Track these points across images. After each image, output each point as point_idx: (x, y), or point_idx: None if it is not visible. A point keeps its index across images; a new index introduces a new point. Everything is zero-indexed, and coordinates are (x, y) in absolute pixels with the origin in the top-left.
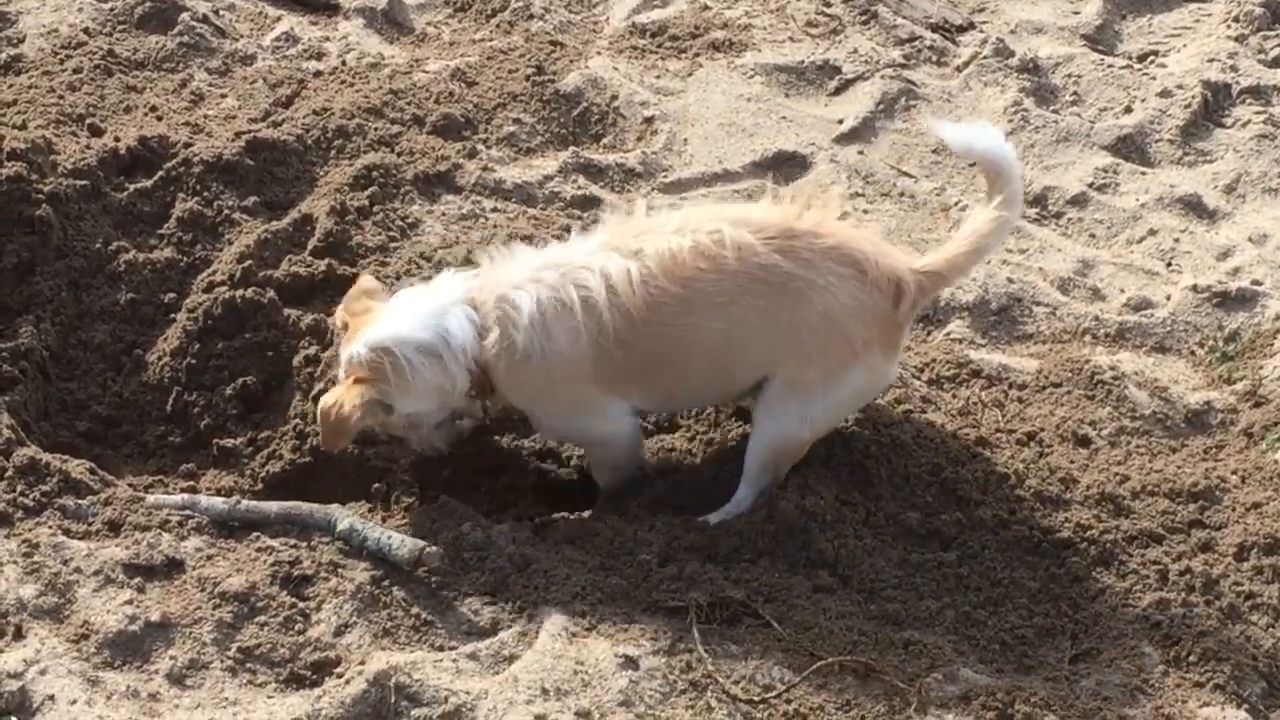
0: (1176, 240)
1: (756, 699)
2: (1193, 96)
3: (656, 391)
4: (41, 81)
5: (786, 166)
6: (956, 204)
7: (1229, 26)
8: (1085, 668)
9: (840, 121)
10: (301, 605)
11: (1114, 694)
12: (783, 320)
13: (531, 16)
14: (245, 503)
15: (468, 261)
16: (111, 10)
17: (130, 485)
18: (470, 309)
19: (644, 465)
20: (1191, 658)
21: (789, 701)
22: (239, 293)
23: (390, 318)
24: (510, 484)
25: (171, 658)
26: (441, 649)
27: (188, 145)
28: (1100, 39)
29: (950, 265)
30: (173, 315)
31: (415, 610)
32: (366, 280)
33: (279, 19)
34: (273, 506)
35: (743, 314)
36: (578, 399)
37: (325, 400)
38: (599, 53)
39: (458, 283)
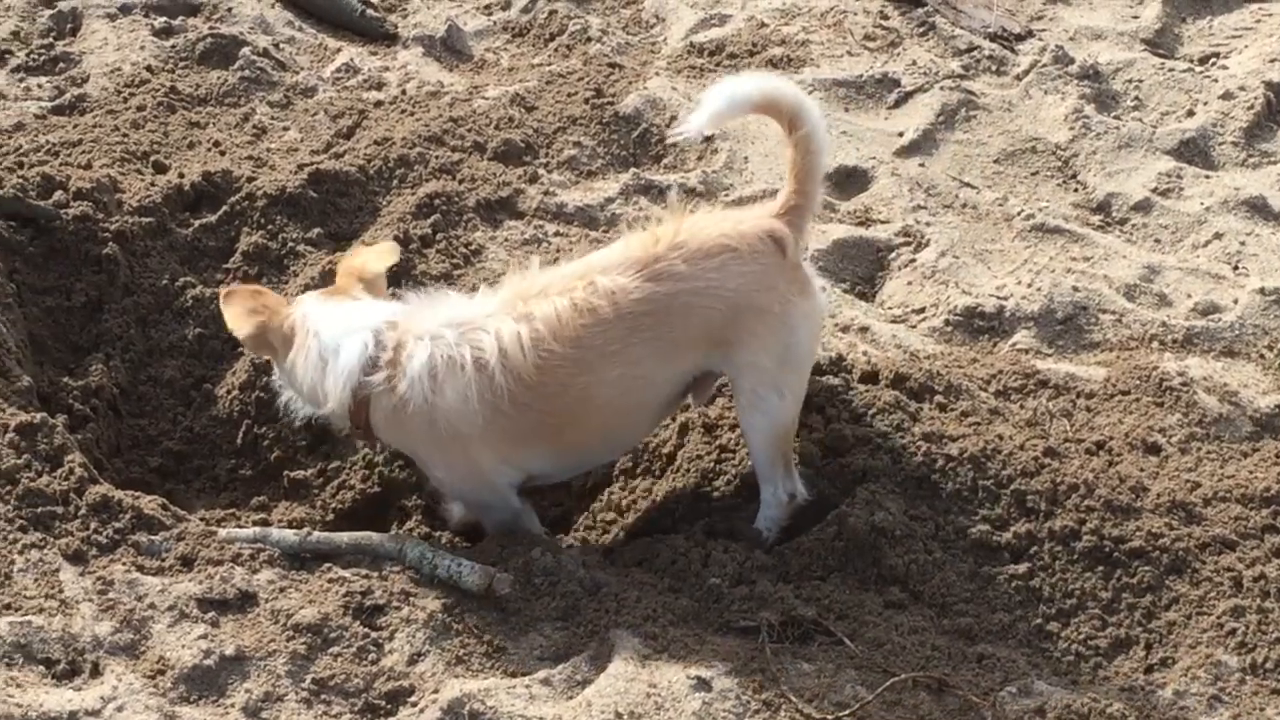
0: (1242, 243)
1: (830, 716)
2: (1255, 98)
3: (564, 450)
4: (106, 120)
5: (848, 181)
6: (1020, 213)
7: None
8: (1161, 677)
9: (900, 134)
10: (374, 635)
11: (1191, 703)
12: (681, 336)
13: (589, 39)
14: (316, 534)
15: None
16: (173, 48)
17: (202, 519)
18: (374, 340)
19: (535, 535)
20: (1268, 664)
21: (862, 719)
22: None
23: (332, 311)
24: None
25: (247, 691)
26: (514, 675)
27: (251, 179)
28: (1160, 42)
29: (800, 194)
30: (240, 349)
31: (487, 637)
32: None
33: (339, 50)
34: (343, 537)
35: (638, 353)
36: (467, 462)
37: (250, 293)
38: (657, 73)
39: (380, 312)
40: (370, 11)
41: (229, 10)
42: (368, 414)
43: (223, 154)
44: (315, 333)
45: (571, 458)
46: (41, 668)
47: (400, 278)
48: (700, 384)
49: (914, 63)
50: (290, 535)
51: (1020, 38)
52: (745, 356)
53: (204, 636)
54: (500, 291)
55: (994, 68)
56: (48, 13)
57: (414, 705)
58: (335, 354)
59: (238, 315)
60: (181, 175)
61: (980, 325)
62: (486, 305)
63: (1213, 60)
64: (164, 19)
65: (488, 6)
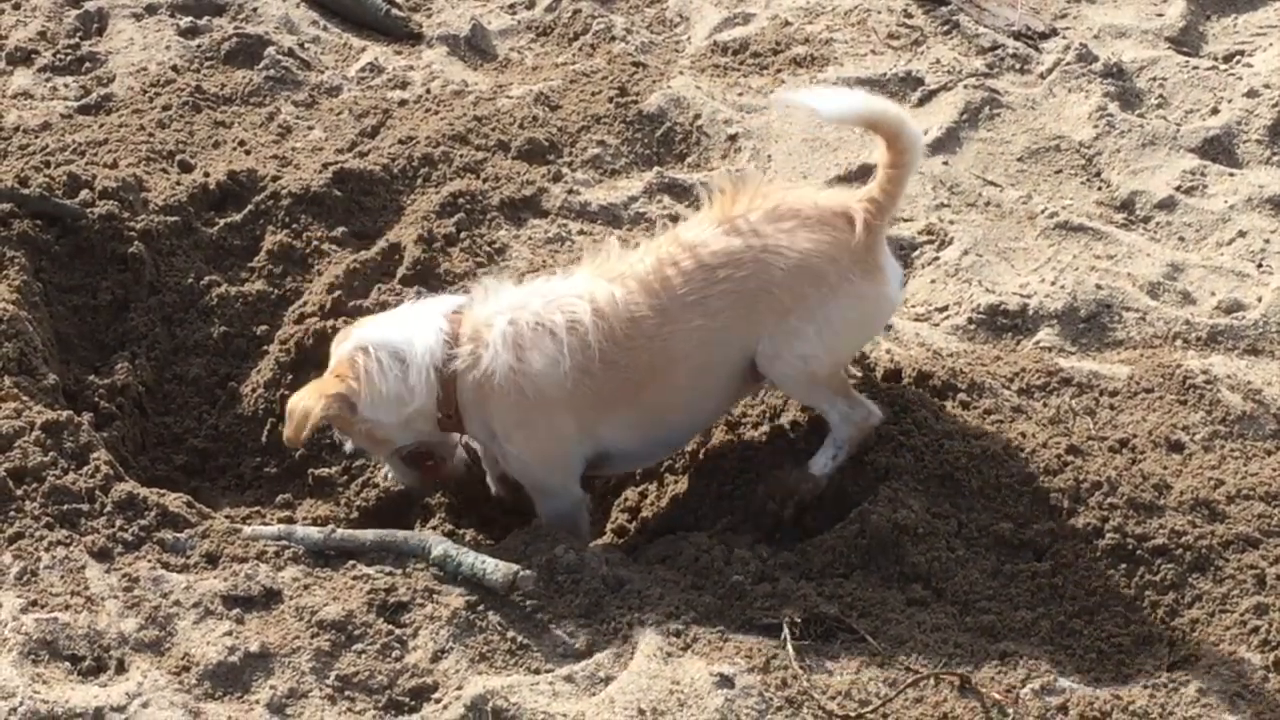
0: (1266, 241)
1: (853, 714)
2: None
3: (643, 416)
4: (132, 120)
5: (871, 179)
6: (1043, 211)
7: None
8: (1184, 675)
9: (924, 132)
10: (398, 632)
11: (1214, 701)
12: (751, 289)
13: (613, 38)
14: (340, 532)
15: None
16: (199, 47)
17: (227, 517)
18: (445, 324)
19: (584, 535)
20: None
21: (885, 716)
22: (330, 323)
23: (379, 322)
24: None
25: (271, 687)
26: (538, 672)
27: (276, 178)
28: (1185, 41)
29: (885, 194)
30: (265, 347)
31: (511, 634)
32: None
33: (363, 50)
34: (368, 534)
35: (716, 302)
36: (549, 432)
37: (297, 394)
38: (681, 72)
39: (445, 301)
40: (395, 11)
41: (254, 10)
42: (457, 398)
43: (248, 153)
44: (379, 346)
45: (648, 429)
46: (67, 664)
47: (425, 277)
48: None
49: (938, 61)
50: (315, 533)
51: (1044, 36)
52: (791, 322)
53: (229, 633)
54: (584, 267)
55: (1018, 66)
56: (74, 13)
57: (437, 702)
58: (410, 346)
59: (295, 407)
60: (207, 174)
61: (1003, 323)
62: (572, 280)
63: (1237, 58)
64: (189, 19)
65: (512, 6)
